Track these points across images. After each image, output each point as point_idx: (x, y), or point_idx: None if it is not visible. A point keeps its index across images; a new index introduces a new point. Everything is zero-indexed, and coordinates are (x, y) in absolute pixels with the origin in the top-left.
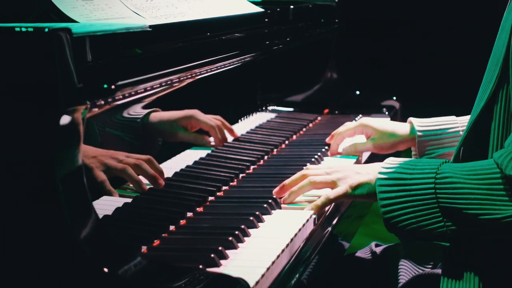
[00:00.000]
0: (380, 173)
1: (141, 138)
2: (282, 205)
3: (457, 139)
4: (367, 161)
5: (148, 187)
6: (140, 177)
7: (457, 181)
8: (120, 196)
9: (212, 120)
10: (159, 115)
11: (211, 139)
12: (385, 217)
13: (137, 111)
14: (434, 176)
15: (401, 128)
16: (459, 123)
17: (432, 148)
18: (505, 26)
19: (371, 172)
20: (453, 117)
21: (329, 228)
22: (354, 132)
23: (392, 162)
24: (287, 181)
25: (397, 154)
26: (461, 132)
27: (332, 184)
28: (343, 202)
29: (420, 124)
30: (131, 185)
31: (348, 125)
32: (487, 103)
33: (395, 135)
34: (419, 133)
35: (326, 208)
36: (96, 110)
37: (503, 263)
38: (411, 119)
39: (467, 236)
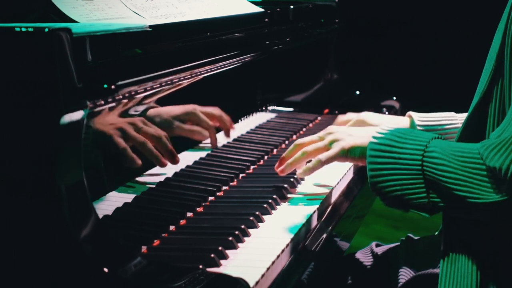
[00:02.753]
0: (373, 137)
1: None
2: (289, 195)
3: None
4: None
5: (150, 186)
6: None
7: (443, 158)
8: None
9: (212, 115)
10: (157, 110)
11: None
12: (372, 181)
13: (137, 108)
14: (423, 149)
15: (400, 121)
16: (459, 119)
17: None
18: (502, 23)
19: (365, 136)
20: (452, 113)
21: (329, 228)
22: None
23: (386, 128)
24: (284, 154)
25: None
26: None
27: (326, 149)
28: (343, 203)
29: (420, 118)
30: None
31: (344, 119)
32: (482, 99)
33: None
34: (419, 128)
35: (327, 209)
36: (96, 110)
37: (501, 258)
38: (410, 113)
39: (447, 210)
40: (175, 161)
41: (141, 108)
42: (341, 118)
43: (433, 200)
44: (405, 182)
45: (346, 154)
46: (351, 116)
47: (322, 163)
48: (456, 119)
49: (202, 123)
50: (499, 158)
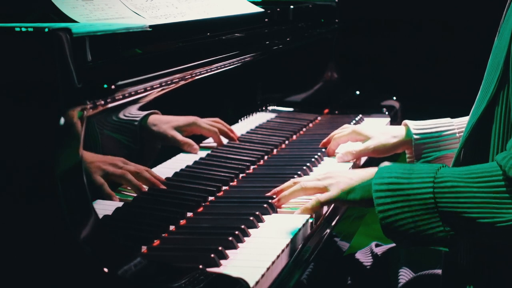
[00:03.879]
0: (375, 178)
1: (139, 140)
2: (279, 210)
3: (453, 142)
4: (364, 165)
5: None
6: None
7: (457, 185)
8: (120, 200)
9: (213, 125)
10: (158, 118)
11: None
12: (384, 223)
13: (137, 111)
14: (433, 180)
15: (396, 131)
16: (455, 125)
17: (429, 151)
18: (505, 28)
19: (364, 178)
20: (448, 119)
21: (329, 228)
22: (347, 139)
23: (387, 167)
24: (278, 188)
25: (394, 157)
26: (457, 135)
27: (324, 190)
28: None
29: (416, 127)
30: (128, 188)
31: (341, 132)
32: (488, 105)
33: (391, 138)
34: (415, 136)
35: (325, 209)
36: (96, 110)
37: (504, 268)
38: (406, 121)
39: (467, 241)
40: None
41: (141, 108)
42: (335, 132)
43: (451, 233)
44: (418, 219)
45: (345, 197)
46: (345, 126)
47: (321, 204)
48: (452, 124)
49: (204, 130)
50: None
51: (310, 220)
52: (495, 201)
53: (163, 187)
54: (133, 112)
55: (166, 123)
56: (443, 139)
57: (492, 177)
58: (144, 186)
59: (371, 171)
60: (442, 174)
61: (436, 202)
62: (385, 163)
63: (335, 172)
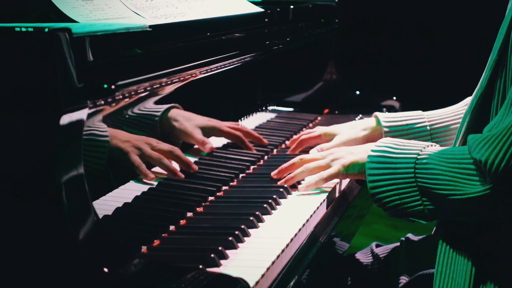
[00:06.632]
0: (372, 150)
1: (156, 134)
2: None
3: (424, 134)
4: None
5: (154, 184)
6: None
7: (432, 163)
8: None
9: (236, 130)
10: (181, 114)
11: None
12: (372, 192)
13: (152, 107)
14: (416, 157)
15: (366, 124)
16: (426, 118)
17: None
18: (506, 21)
19: (363, 152)
20: (419, 112)
21: (329, 228)
22: (315, 142)
23: (384, 141)
24: (285, 165)
25: None
26: (428, 127)
27: (327, 167)
28: (342, 203)
29: (386, 119)
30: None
31: (309, 134)
32: (483, 93)
33: (361, 131)
34: (385, 129)
35: (326, 209)
36: (96, 110)
37: (497, 251)
38: (376, 113)
39: (442, 215)
40: (191, 169)
41: (158, 105)
42: (303, 133)
43: (428, 208)
44: (401, 192)
45: (346, 171)
46: (316, 129)
47: (324, 180)
48: (423, 117)
49: (228, 136)
50: (485, 152)
51: (311, 220)
52: (460, 179)
53: (195, 167)
54: (150, 107)
55: (188, 119)
56: (414, 131)
57: (461, 159)
58: (179, 172)
59: (371, 145)
60: (424, 152)
61: (416, 178)
62: (386, 138)
63: (338, 149)
